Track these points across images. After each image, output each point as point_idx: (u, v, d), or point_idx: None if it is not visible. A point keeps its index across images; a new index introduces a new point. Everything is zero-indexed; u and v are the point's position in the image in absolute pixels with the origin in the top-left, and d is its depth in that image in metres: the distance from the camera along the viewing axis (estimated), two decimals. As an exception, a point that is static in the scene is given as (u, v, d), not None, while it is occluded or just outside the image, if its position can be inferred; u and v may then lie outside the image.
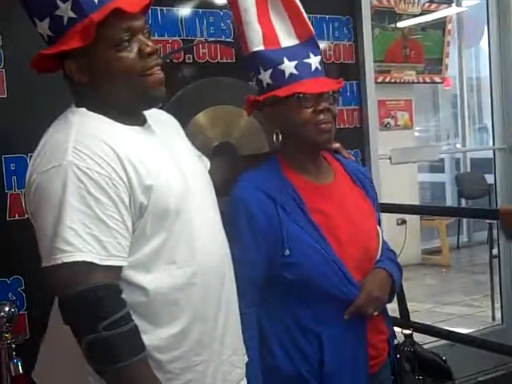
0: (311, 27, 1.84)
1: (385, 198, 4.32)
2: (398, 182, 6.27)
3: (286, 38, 1.79)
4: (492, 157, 4.08)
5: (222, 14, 2.77)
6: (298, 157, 1.76)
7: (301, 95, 1.68)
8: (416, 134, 8.48)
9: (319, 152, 1.80)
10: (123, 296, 1.34)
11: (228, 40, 2.78)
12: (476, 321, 4.69)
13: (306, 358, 1.69)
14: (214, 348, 1.49)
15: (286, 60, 1.72)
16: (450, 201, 8.55)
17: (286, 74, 1.71)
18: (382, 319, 1.81)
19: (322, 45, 3.11)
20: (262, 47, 1.77)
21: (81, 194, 1.31)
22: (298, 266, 1.66)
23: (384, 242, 1.87)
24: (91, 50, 1.39)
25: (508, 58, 3.88)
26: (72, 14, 1.38)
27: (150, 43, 1.44)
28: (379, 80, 6.17)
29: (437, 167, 8.85)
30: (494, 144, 4.04)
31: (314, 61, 1.74)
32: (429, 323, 3.97)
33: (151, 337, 1.38)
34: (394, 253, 1.91)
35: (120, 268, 1.35)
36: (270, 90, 1.73)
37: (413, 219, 6.73)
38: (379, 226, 1.85)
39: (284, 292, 1.70)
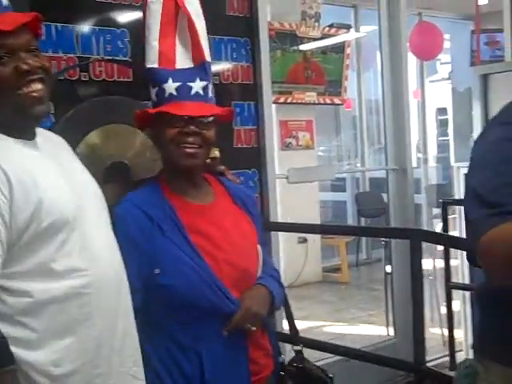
0: (205, 53, 1.88)
1: (286, 217, 4.40)
2: (299, 201, 6.40)
3: (183, 61, 1.85)
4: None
5: (119, 32, 2.76)
6: (175, 177, 1.80)
7: (169, 115, 1.72)
8: (320, 153, 8.69)
9: (194, 174, 1.83)
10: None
11: (125, 59, 2.77)
12: (373, 336, 4.82)
13: (187, 377, 1.71)
14: (113, 360, 1.49)
15: (170, 80, 1.77)
16: (351, 219, 8.78)
17: (166, 94, 1.77)
18: (263, 335, 1.84)
19: (221, 66, 3.16)
20: (155, 65, 1.82)
21: None
22: (174, 286, 1.68)
23: (267, 260, 1.91)
24: None
25: (399, 82, 4.05)
26: None
27: (30, 61, 1.45)
28: (281, 100, 6.28)
29: (339, 186, 9.08)
30: (387, 164, 4.20)
31: (198, 85, 1.79)
32: (327, 339, 4.07)
33: (45, 350, 1.38)
34: (277, 271, 1.97)
35: None
36: (155, 107, 1.77)
37: (313, 238, 6.87)
38: (261, 245, 1.89)
39: (162, 313, 1.71)
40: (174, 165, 1.78)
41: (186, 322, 1.71)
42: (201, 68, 1.84)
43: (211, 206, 1.83)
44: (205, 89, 1.80)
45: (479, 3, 5.00)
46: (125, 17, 2.82)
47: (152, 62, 1.83)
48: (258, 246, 1.87)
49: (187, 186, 1.81)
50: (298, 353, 2.06)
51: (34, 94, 1.46)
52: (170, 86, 1.76)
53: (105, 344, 1.47)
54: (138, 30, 2.73)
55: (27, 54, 1.45)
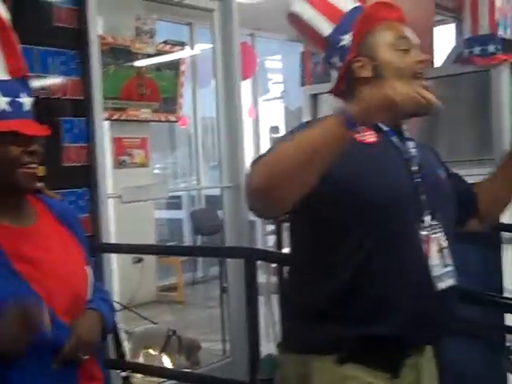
0: (26, 66, 1.75)
1: (121, 238, 4.27)
2: (134, 220, 6.27)
3: None
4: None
5: None
6: None
7: (16, 134, 1.58)
8: (156, 171, 8.59)
9: (26, 196, 1.69)
10: None
11: None
12: (209, 355, 4.78)
13: None
14: None
15: None
16: (187, 237, 8.75)
17: None
18: (94, 364, 1.73)
19: (48, 79, 3.00)
20: None
21: None
22: None
23: (95, 281, 1.81)
24: None
25: (232, 100, 4.09)
26: None
27: None
28: (115, 117, 6.16)
29: (174, 204, 9.02)
30: (221, 182, 4.21)
31: (27, 101, 1.66)
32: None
33: None
34: (107, 292, 1.87)
35: None
36: None
37: (149, 257, 6.75)
38: (88, 265, 1.79)
39: None
40: (11, 185, 1.62)
41: (13, 359, 1.54)
42: (22, 82, 1.71)
43: (35, 229, 1.68)
44: (32, 106, 1.68)
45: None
46: None
47: None
48: (87, 268, 1.76)
49: (9, 208, 1.65)
50: (126, 379, 1.98)
51: None
52: (1, 101, 1.60)
53: None
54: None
55: None
